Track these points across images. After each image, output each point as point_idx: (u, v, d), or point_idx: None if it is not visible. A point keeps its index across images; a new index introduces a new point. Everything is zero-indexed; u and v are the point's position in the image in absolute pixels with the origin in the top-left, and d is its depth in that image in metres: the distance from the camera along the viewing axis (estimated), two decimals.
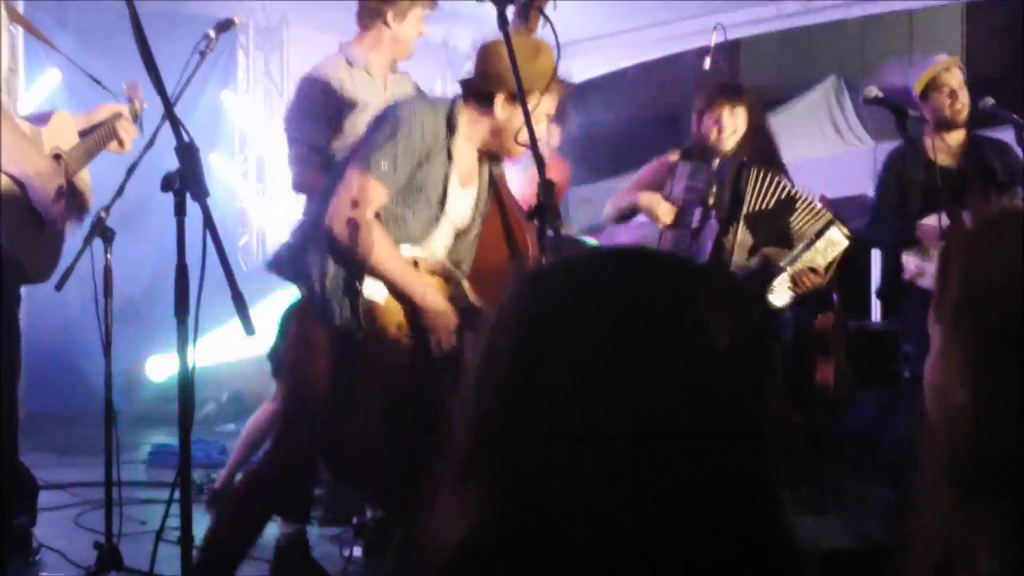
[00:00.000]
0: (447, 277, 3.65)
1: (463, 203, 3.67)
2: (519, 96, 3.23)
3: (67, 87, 7.25)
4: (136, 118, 3.76)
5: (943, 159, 5.04)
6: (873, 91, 4.59)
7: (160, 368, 8.17)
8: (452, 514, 1.00)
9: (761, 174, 4.79)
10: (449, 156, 3.53)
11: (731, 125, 4.79)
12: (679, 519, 0.93)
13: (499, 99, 3.49)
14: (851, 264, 5.52)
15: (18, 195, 2.93)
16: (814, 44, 14.59)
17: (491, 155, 3.69)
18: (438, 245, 3.65)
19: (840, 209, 5.62)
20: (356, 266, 3.44)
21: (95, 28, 7.29)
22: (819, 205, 4.86)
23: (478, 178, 3.71)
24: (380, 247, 3.42)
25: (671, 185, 4.83)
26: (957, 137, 5.11)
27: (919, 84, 5.17)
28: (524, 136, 3.37)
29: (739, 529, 0.96)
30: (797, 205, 4.81)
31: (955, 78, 5.10)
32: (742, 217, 4.73)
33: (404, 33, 4.44)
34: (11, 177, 2.91)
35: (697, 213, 4.76)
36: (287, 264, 3.59)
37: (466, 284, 3.71)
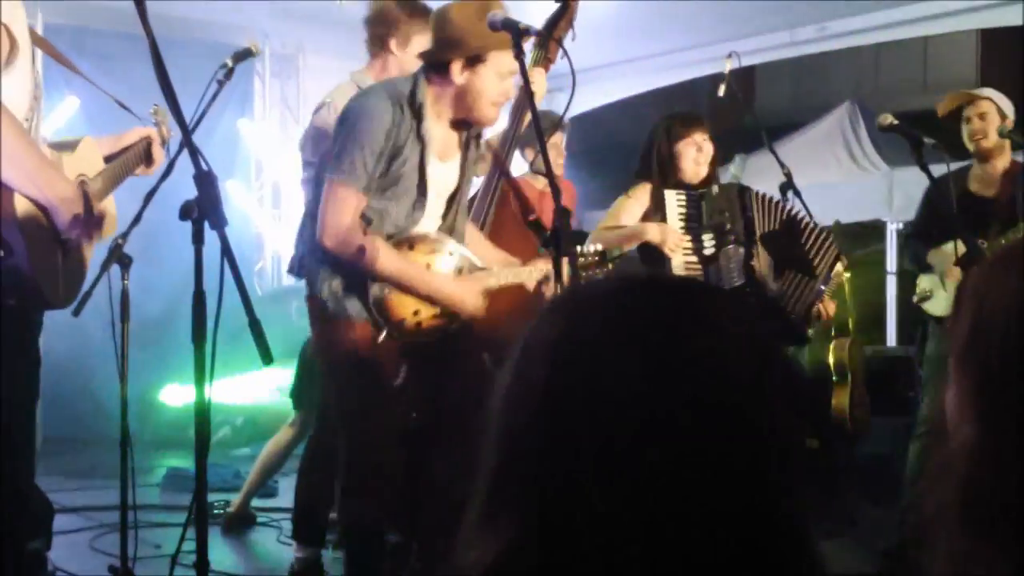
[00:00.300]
0: (439, 249, 3.65)
1: (446, 175, 3.69)
2: (534, 119, 3.24)
3: (85, 114, 7.32)
4: (164, 142, 3.78)
5: (980, 187, 5.07)
6: (888, 118, 4.59)
7: (175, 396, 8.20)
8: (478, 538, 0.99)
9: (761, 196, 4.86)
10: (421, 141, 3.53)
11: (708, 151, 4.83)
12: (716, 541, 0.93)
13: (455, 66, 3.48)
14: (867, 290, 5.53)
15: (42, 220, 2.94)
16: (829, 70, 14.63)
17: (464, 122, 3.67)
18: (428, 224, 3.67)
19: (855, 234, 5.64)
20: (358, 273, 3.48)
21: (113, 55, 7.36)
22: (818, 226, 4.96)
23: (459, 147, 3.72)
24: (372, 253, 3.45)
25: (659, 216, 4.82)
26: (999, 165, 5.10)
27: (941, 108, 5.19)
28: (493, 95, 3.46)
29: (780, 552, 0.97)
30: (802, 227, 4.92)
31: (977, 109, 5.09)
32: (758, 240, 4.78)
33: (409, 60, 4.47)
34: (34, 202, 2.92)
35: (706, 239, 4.78)
36: (300, 270, 3.67)
37: (461, 248, 3.71)
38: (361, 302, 3.50)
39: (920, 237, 5.30)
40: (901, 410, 6.21)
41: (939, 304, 5.17)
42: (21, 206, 2.89)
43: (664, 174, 4.84)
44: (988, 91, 5.19)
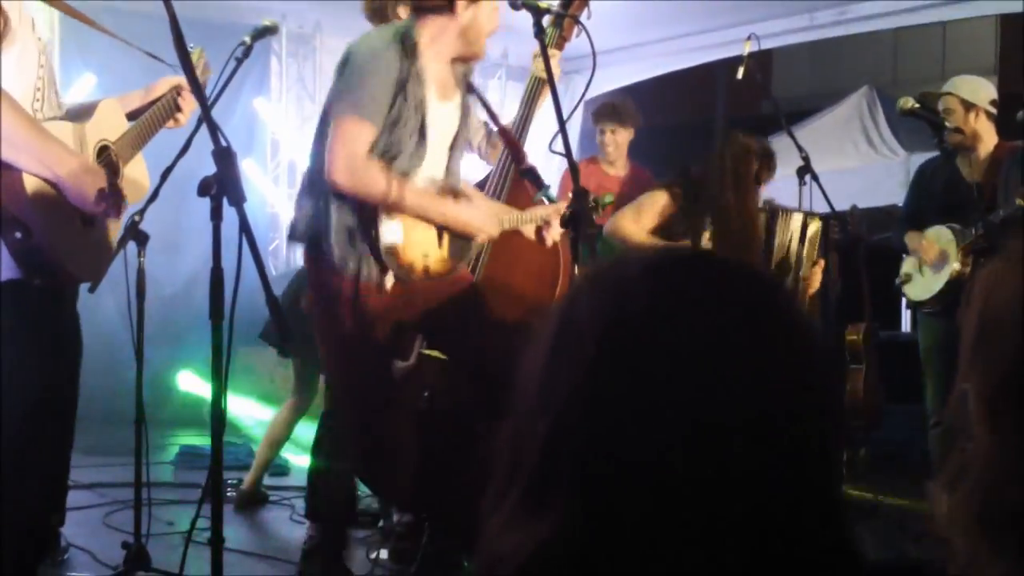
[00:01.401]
0: (455, 196, 3.68)
1: (447, 117, 3.70)
2: (553, 99, 3.24)
3: (102, 90, 7.31)
4: (202, 84, 3.73)
5: (968, 172, 5.06)
6: (909, 101, 4.58)
7: (190, 383, 8.21)
8: (518, 523, 0.96)
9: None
10: (419, 80, 3.54)
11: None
12: (765, 539, 0.91)
13: (461, 2, 3.54)
14: (881, 273, 5.52)
15: (54, 196, 2.92)
16: (846, 55, 14.57)
17: (463, 59, 3.72)
18: (436, 170, 3.68)
19: (872, 219, 5.65)
20: (369, 208, 3.48)
21: (130, 34, 7.34)
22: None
23: (456, 86, 3.73)
24: (382, 185, 3.45)
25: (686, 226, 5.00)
26: (983, 151, 5.07)
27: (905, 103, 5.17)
28: (490, 28, 3.53)
29: (817, 540, 0.94)
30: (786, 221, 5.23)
31: (944, 104, 5.06)
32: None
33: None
34: (43, 180, 2.90)
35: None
36: (301, 232, 3.63)
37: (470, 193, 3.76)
38: (370, 247, 3.50)
39: (908, 221, 5.31)
40: (915, 396, 6.18)
41: (916, 288, 5.20)
42: (33, 185, 2.87)
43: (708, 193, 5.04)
44: (954, 83, 5.14)
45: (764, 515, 0.91)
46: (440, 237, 3.66)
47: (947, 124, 4.58)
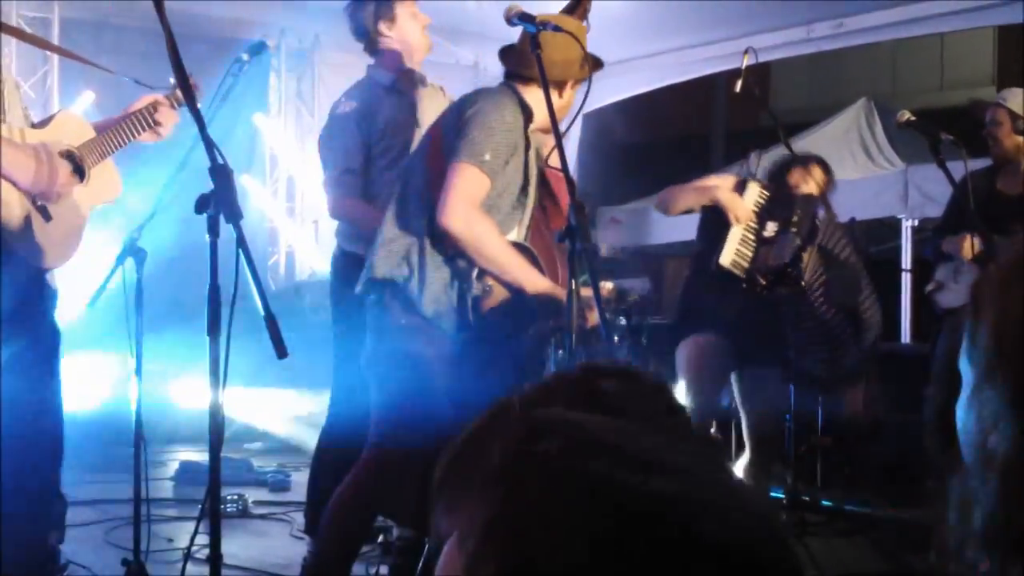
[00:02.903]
0: (533, 261, 3.70)
1: (532, 184, 3.76)
2: (550, 117, 3.25)
3: (101, 108, 7.33)
4: (179, 104, 3.78)
5: (1005, 186, 5.10)
6: (906, 114, 4.60)
7: (187, 395, 8.20)
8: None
9: (831, 218, 5.29)
10: (527, 143, 3.62)
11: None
12: None
13: (570, 83, 3.66)
14: (880, 285, 5.53)
15: (8, 190, 3.02)
16: (845, 67, 14.61)
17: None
18: (522, 231, 3.73)
19: (871, 231, 5.68)
20: (469, 259, 3.49)
21: (130, 52, 7.37)
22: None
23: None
24: (492, 237, 3.50)
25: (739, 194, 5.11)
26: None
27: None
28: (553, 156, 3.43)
29: None
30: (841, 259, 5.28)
31: (992, 115, 5.13)
32: (817, 244, 5.09)
33: (405, 33, 4.47)
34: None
35: (770, 225, 5.05)
36: (381, 270, 3.58)
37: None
38: (459, 298, 3.51)
39: (944, 232, 5.33)
40: (916, 408, 6.18)
41: (949, 296, 5.20)
42: None
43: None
44: (1007, 95, 5.16)
45: None
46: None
47: (944, 138, 4.58)
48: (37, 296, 3.28)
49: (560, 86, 3.63)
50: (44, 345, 3.25)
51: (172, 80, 3.78)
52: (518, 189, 3.62)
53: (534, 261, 3.70)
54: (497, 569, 0.76)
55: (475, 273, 3.51)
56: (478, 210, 3.46)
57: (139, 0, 2.84)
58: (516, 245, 3.67)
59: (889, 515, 5.89)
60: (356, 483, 3.67)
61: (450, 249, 3.50)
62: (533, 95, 3.60)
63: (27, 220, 3.07)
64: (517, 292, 3.57)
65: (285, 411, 7.88)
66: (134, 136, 3.59)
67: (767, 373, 5.00)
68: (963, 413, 1.17)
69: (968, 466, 1.14)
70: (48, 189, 3.12)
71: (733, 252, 4.98)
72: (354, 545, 3.79)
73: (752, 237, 5.03)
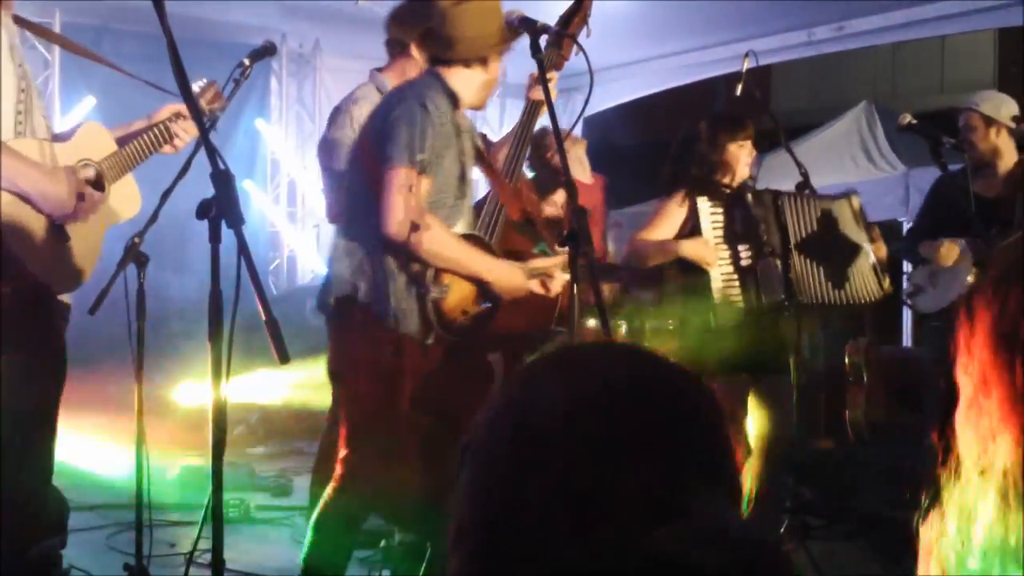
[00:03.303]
0: (485, 248, 3.69)
1: (470, 170, 3.73)
2: (552, 119, 3.25)
3: (101, 112, 7.34)
4: (217, 109, 3.76)
5: (982, 188, 5.07)
6: (907, 118, 4.60)
7: (189, 395, 8.20)
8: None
9: (794, 198, 4.84)
10: (458, 130, 3.57)
11: (749, 155, 4.83)
12: None
13: (492, 56, 3.57)
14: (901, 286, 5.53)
15: (28, 211, 2.98)
16: (845, 70, 14.59)
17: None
18: (468, 220, 3.70)
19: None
20: (421, 263, 3.46)
21: (131, 55, 7.37)
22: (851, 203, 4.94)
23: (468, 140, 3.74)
24: (441, 236, 3.47)
25: (691, 223, 4.81)
26: (1002, 167, 5.10)
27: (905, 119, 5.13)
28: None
29: None
30: (835, 212, 4.89)
31: (967, 120, 5.06)
32: (792, 248, 4.76)
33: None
34: (14, 195, 2.95)
35: (742, 251, 4.77)
36: (342, 285, 3.55)
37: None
38: (419, 306, 3.49)
39: (921, 233, 5.32)
40: (918, 409, 6.18)
41: (926, 300, 5.18)
42: (4, 199, 2.93)
43: (703, 179, 4.83)
44: (978, 99, 5.16)
45: None
46: (477, 292, 3.66)
47: (945, 141, 4.59)
48: (47, 315, 3.25)
49: (483, 61, 3.58)
50: (49, 365, 3.22)
51: (196, 86, 3.76)
52: (457, 180, 3.58)
53: (487, 248, 3.68)
54: None
55: (430, 275, 3.48)
56: (419, 211, 3.42)
57: (140, 2, 2.82)
58: (467, 236, 3.64)
59: (891, 518, 5.88)
60: (334, 495, 3.64)
61: (402, 255, 3.47)
62: (457, 77, 3.57)
63: (45, 241, 3.04)
64: (479, 284, 3.57)
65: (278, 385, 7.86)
66: (154, 150, 3.57)
67: (783, 378, 4.88)
68: (962, 423, 1.17)
69: (967, 477, 1.13)
70: (71, 213, 3.09)
71: (724, 299, 4.78)
72: (340, 557, 3.75)
73: (731, 272, 4.79)
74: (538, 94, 4.02)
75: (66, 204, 3.06)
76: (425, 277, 3.48)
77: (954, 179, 5.16)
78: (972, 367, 1.15)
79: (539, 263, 3.81)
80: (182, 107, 3.64)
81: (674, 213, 4.84)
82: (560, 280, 3.78)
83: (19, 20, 3.39)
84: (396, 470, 3.63)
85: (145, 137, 3.53)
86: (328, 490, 3.68)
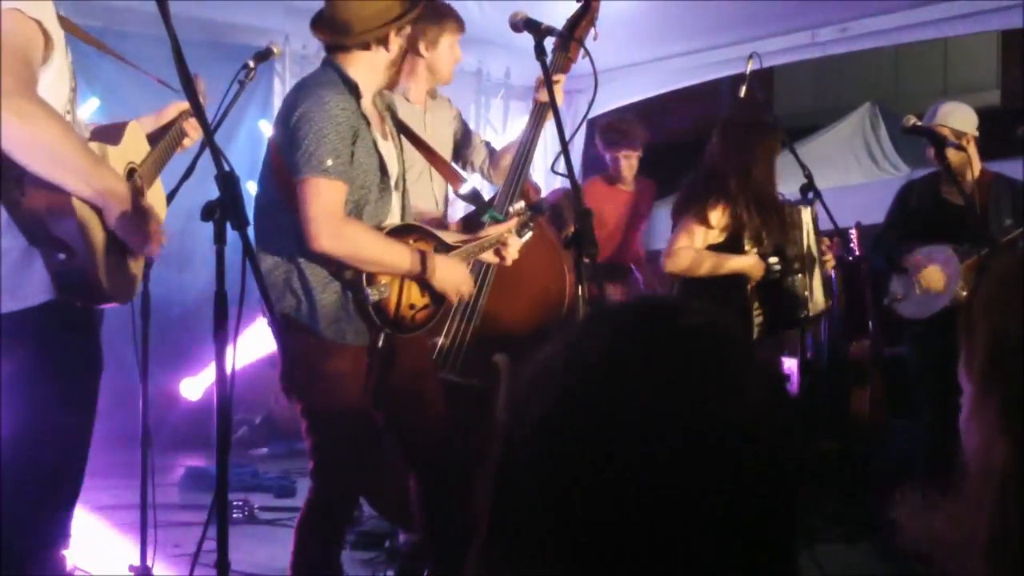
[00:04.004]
0: (423, 236, 3.63)
1: (392, 153, 3.65)
2: (556, 120, 3.25)
3: (105, 114, 7.33)
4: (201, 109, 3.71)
5: (951, 195, 5.12)
6: (912, 119, 4.60)
7: (193, 388, 8.20)
8: (485, 566, 0.97)
9: (794, 210, 4.96)
10: (366, 121, 3.48)
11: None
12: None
13: (392, 35, 3.50)
14: (885, 290, 5.52)
15: (98, 219, 2.83)
16: (849, 72, 14.58)
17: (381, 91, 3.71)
18: (395, 214, 3.63)
19: (874, 237, 5.65)
20: (354, 270, 3.41)
21: (135, 57, 7.37)
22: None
23: (384, 123, 3.68)
24: (367, 241, 3.40)
25: (731, 232, 4.86)
26: (969, 176, 5.16)
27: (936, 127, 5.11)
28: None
29: None
30: (803, 220, 4.96)
31: (943, 134, 4.99)
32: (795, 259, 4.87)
33: (438, 60, 4.46)
34: (86, 202, 2.81)
35: (772, 262, 4.82)
36: (276, 297, 3.47)
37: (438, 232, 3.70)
38: (362, 314, 3.46)
39: (893, 238, 5.36)
40: (920, 412, 6.18)
41: (911, 307, 5.21)
42: (80, 208, 2.77)
43: (745, 190, 4.83)
44: (942, 115, 5.18)
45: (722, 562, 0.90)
46: (419, 287, 3.60)
47: (950, 140, 4.61)
48: (96, 327, 3.17)
49: (382, 42, 3.51)
50: (88, 377, 3.14)
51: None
52: (376, 172, 3.49)
53: (427, 234, 3.62)
54: None
55: (364, 279, 3.43)
56: (342, 220, 3.35)
57: (142, 3, 2.81)
58: (403, 228, 3.58)
59: (894, 519, 5.87)
60: (309, 508, 3.63)
61: (332, 265, 3.42)
62: (355, 63, 3.50)
63: (107, 251, 2.92)
64: (418, 280, 3.51)
65: None
66: (175, 149, 3.49)
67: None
68: (965, 429, 1.18)
69: (970, 478, 1.14)
70: (135, 243, 2.96)
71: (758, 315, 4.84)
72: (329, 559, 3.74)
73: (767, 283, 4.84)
74: (545, 96, 4.02)
75: (127, 228, 2.92)
76: (361, 281, 3.42)
77: (925, 185, 5.22)
78: (973, 373, 1.16)
79: (491, 232, 3.76)
80: (186, 104, 3.59)
81: (714, 222, 4.84)
82: (515, 246, 3.71)
83: (72, 27, 3.33)
84: (366, 473, 3.63)
85: (169, 138, 3.45)
86: (304, 503, 3.66)
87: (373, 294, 3.43)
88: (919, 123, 4.60)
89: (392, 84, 3.69)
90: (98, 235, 2.84)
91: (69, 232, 2.74)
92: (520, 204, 3.76)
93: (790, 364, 5.29)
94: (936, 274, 5.05)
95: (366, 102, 3.52)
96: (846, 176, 10.36)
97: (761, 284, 4.80)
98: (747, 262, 4.77)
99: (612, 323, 1.00)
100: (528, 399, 0.97)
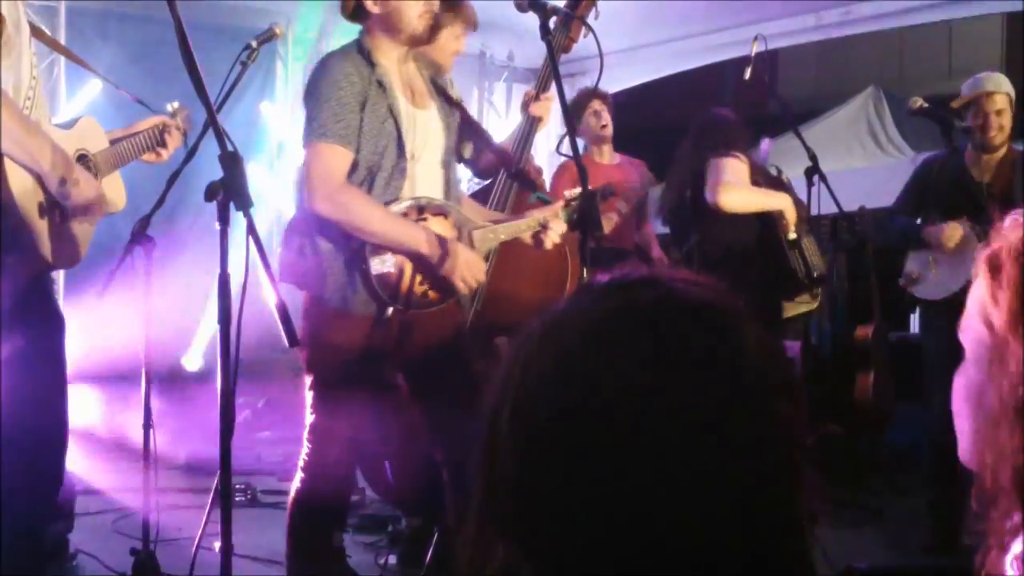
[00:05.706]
0: (446, 214, 3.58)
1: (429, 123, 3.60)
2: (560, 101, 3.24)
3: (107, 97, 7.31)
4: (184, 134, 3.77)
5: (977, 172, 4.98)
6: (918, 101, 4.57)
7: (195, 359, 8.19)
8: (479, 543, 0.96)
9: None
10: (382, 87, 3.46)
11: None
12: (712, 556, 0.89)
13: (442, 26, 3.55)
14: (889, 274, 5.49)
15: (35, 185, 3.00)
16: (853, 55, 14.54)
17: (431, 64, 3.72)
18: (432, 188, 3.59)
19: (880, 220, 5.61)
20: (358, 239, 3.40)
21: (136, 40, 7.35)
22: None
23: (429, 94, 3.65)
24: (365, 208, 3.39)
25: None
26: (997, 154, 5.01)
27: (957, 102, 5.04)
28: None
29: (770, 567, 0.93)
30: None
31: (995, 105, 4.95)
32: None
33: (438, 49, 4.42)
34: (27, 168, 2.98)
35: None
36: (290, 272, 3.54)
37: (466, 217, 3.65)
38: (365, 286, 3.45)
39: (908, 215, 5.26)
40: (926, 397, 6.16)
41: (928, 287, 5.09)
42: (11, 171, 2.94)
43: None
44: (997, 82, 5.07)
45: (716, 541, 0.89)
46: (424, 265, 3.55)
47: (959, 123, 4.55)
48: (41, 288, 3.26)
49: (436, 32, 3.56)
50: (49, 338, 3.24)
51: (170, 107, 3.78)
52: (393, 140, 3.46)
53: (449, 211, 3.58)
54: None
55: (368, 250, 3.42)
56: (338, 184, 3.36)
57: None
58: (419, 206, 3.53)
59: (899, 505, 5.87)
60: (303, 484, 3.67)
61: (336, 233, 3.42)
62: (371, 29, 3.52)
63: (41, 213, 3.06)
64: (415, 257, 3.46)
65: None
66: (142, 153, 3.61)
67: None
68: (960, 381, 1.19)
69: (997, 421, 1.16)
70: (81, 201, 3.10)
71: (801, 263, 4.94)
72: (323, 549, 3.74)
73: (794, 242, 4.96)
74: (538, 110, 4.11)
75: (68, 195, 3.08)
76: (364, 252, 3.41)
77: (947, 162, 5.08)
78: (998, 315, 1.16)
79: (535, 215, 3.71)
80: (166, 119, 3.69)
81: (743, 168, 4.93)
82: (558, 230, 3.66)
83: (39, 32, 3.45)
84: (361, 451, 3.63)
85: (137, 138, 3.57)
86: (295, 483, 3.68)
87: (375, 265, 3.41)
88: (925, 104, 4.56)
89: (403, 37, 3.56)
90: (33, 199, 3.00)
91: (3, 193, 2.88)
92: (577, 189, 3.70)
93: (793, 349, 5.29)
94: (958, 231, 4.93)
95: (386, 69, 3.49)
96: (850, 160, 10.34)
97: (781, 244, 4.86)
98: (787, 200, 4.82)
99: (594, 298, 0.98)
100: (506, 380, 0.96)
